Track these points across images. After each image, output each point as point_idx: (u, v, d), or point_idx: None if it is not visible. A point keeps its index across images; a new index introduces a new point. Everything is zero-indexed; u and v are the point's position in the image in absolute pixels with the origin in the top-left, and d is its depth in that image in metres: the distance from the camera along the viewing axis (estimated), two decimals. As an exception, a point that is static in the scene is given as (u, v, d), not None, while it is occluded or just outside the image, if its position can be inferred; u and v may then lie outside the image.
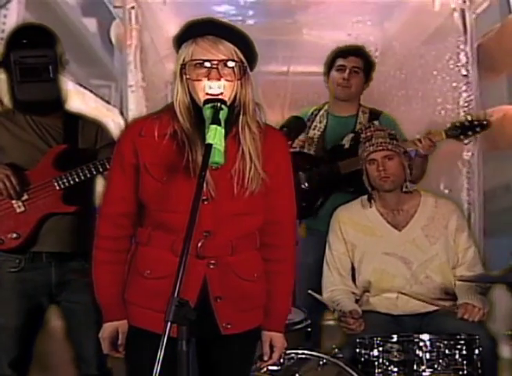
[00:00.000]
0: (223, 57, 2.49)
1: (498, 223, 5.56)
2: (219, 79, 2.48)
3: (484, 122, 4.13)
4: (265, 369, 3.33)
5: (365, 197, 3.92)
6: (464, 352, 3.47)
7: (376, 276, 3.84)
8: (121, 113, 5.87)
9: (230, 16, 6.18)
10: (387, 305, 3.84)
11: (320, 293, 3.92)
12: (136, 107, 5.79)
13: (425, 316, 3.80)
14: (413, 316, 3.80)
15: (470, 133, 4.12)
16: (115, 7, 6.09)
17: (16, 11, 5.19)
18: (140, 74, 5.81)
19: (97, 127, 3.55)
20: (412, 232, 3.86)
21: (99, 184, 3.50)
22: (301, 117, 4.32)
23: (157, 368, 2.18)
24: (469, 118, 4.15)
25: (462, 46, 5.50)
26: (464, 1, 5.51)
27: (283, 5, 6.15)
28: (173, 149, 2.55)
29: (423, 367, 3.45)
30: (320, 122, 4.36)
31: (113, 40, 6.70)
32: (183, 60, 2.52)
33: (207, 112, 2.46)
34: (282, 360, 3.38)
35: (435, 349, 3.46)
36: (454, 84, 5.54)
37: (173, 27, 5.52)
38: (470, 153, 5.45)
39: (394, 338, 3.49)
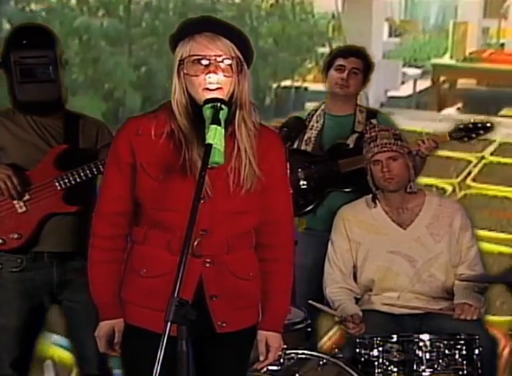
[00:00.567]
0: (220, 53, 2.51)
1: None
2: (217, 73, 2.50)
3: (488, 125, 4.13)
4: (264, 369, 3.33)
5: (370, 196, 3.92)
6: (464, 352, 3.47)
7: (380, 274, 3.84)
8: None
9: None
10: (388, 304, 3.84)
11: (320, 292, 3.92)
12: None
13: (425, 316, 3.80)
14: (414, 316, 3.80)
15: (473, 136, 4.12)
16: None
17: None
18: None
19: (97, 127, 3.55)
20: (417, 230, 3.86)
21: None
22: (301, 117, 4.31)
23: (157, 368, 2.19)
24: (473, 121, 4.15)
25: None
26: None
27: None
28: (170, 148, 2.57)
29: (423, 367, 3.45)
30: (317, 122, 4.35)
31: None
32: (181, 56, 2.54)
33: (207, 112, 2.47)
34: (282, 360, 3.39)
35: (435, 349, 3.46)
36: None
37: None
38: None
39: (394, 338, 3.49)
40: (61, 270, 3.43)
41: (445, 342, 3.47)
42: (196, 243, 2.56)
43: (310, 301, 3.74)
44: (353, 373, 3.39)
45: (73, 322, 3.47)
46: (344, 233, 3.90)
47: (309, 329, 3.69)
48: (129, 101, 11.30)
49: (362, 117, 4.32)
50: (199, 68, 2.51)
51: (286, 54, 14.90)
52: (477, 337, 3.51)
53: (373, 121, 4.28)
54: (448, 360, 3.47)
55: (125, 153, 2.61)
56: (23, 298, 3.39)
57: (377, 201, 3.90)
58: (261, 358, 2.75)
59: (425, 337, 3.48)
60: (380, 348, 3.48)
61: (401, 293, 3.83)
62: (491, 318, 4.14)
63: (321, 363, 3.42)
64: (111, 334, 2.67)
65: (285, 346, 3.41)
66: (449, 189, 10.14)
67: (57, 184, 3.40)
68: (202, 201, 2.51)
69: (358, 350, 3.54)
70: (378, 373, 3.48)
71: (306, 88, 15.75)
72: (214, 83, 2.50)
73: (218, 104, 2.47)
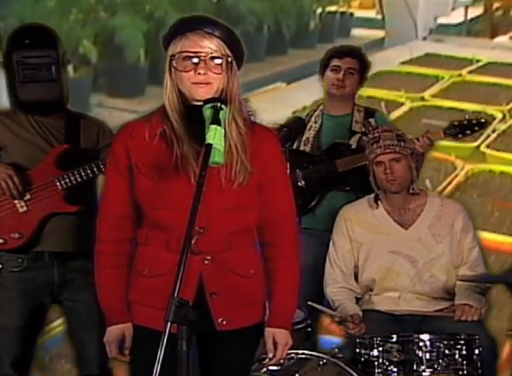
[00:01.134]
0: (211, 51, 2.55)
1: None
2: (206, 72, 2.54)
3: (483, 120, 4.14)
4: (264, 369, 3.34)
5: (372, 196, 3.92)
6: (464, 352, 3.47)
7: (381, 274, 3.84)
8: None
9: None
10: (389, 304, 3.84)
11: (320, 292, 3.93)
12: None
13: (426, 316, 3.81)
14: (414, 316, 3.80)
15: (468, 132, 4.13)
16: None
17: None
18: None
19: (99, 127, 3.56)
20: (418, 230, 3.86)
21: (101, 184, 3.51)
22: (301, 117, 4.33)
23: (157, 368, 2.20)
24: (467, 117, 4.16)
25: None
26: None
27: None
28: (163, 148, 2.60)
29: (422, 367, 3.45)
30: (315, 122, 4.36)
31: None
32: (172, 52, 2.58)
33: (207, 112, 2.49)
34: (282, 360, 3.39)
35: (435, 349, 3.46)
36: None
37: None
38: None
39: (394, 338, 3.50)
40: (62, 270, 3.43)
41: (445, 342, 3.47)
42: (194, 240, 2.57)
43: (309, 303, 3.74)
44: (353, 373, 3.39)
45: (74, 322, 3.47)
46: (346, 233, 3.90)
47: (309, 329, 3.70)
48: (170, 21, 11.16)
49: (360, 117, 4.32)
50: (189, 64, 2.55)
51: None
52: (477, 337, 3.51)
53: (371, 121, 4.29)
54: (448, 360, 3.47)
55: (122, 156, 2.64)
56: (24, 298, 3.40)
57: (379, 202, 3.90)
58: (270, 355, 2.74)
59: (425, 337, 3.48)
60: (380, 348, 3.49)
61: (401, 293, 3.83)
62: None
63: (321, 363, 3.42)
64: (121, 338, 2.67)
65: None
66: (499, 116, 10.01)
67: (58, 184, 3.41)
68: None
69: (358, 350, 3.54)
70: (378, 373, 3.48)
71: (352, 14, 15.70)
72: (204, 79, 2.54)
73: (218, 104, 2.49)
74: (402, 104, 10.59)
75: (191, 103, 2.58)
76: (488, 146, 9.22)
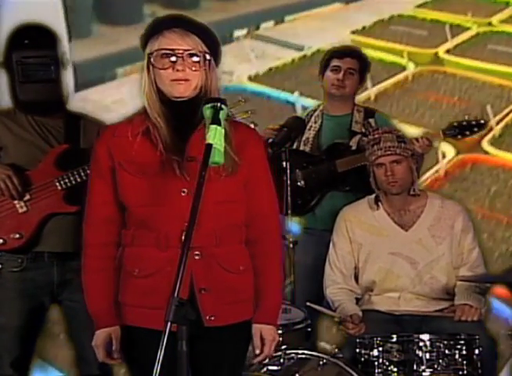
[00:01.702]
0: (189, 48, 2.58)
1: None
2: (184, 69, 2.57)
3: (482, 121, 4.14)
4: (264, 369, 3.34)
5: (372, 197, 3.92)
6: (464, 352, 3.48)
7: (381, 275, 3.85)
8: None
9: None
10: (389, 304, 3.85)
11: (320, 292, 3.93)
12: None
13: (426, 316, 3.81)
14: (414, 316, 3.80)
15: (467, 133, 4.13)
16: None
17: None
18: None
19: (98, 127, 3.54)
20: (418, 232, 3.86)
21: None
22: (301, 117, 4.33)
23: (157, 368, 2.19)
24: (467, 118, 4.16)
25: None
26: None
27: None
28: (147, 145, 2.62)
29: (423, 367, 3.46)
30: (315, 122, 4.37)
31: None
32: (150, 50, 2.60)
33: (207, 112, 2.49)
34: (282, 360, 3.39)
35: (435, 349, 3.47)
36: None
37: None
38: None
39: (394, 338, 3.50)
40: (61, 270, 3.43)
41: (445, 342, 3.48)
42: (183, 236, 2.57)
43: (308, 303, 3.74)
44: (353, 373, 3.39)
45: (74, 322, 3.47)
46: (346, 235, 3.90)
47: (309, 329, 3.70)
48: None
49: (360, 117, 4.33)
50: (167, 62, 2.58)
51: None
52: (477, 337, 3.52)
53: (371, 121, 4.29)
54: (448, 360, 3.47)
55: (104, 158, 2.66)
56: (24, 298, 3.40)
57: (380, 203, 3.90)
58: (257, 351, 2.73)
59: (425, 337, 3.48)
60: (380, 348, 3.49)
61: (401, 293, 3.84)
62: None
63: (321, 363, 3.42)
64: (108, 342, 2.67)
65: (285, 346, 3.44)
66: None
67: (58, 184, 3.41)
68: (183, 194, 2.58)
69: (358, 350, 3.55)
70: (378, 373, 3.48)
71: None
72: (182, 76, 2.57)
73: (218, 104, 2.49)
74: (467, 29, 10.28)
75: (170, 99, 2.61)
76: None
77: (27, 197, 3.39)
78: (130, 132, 2.63)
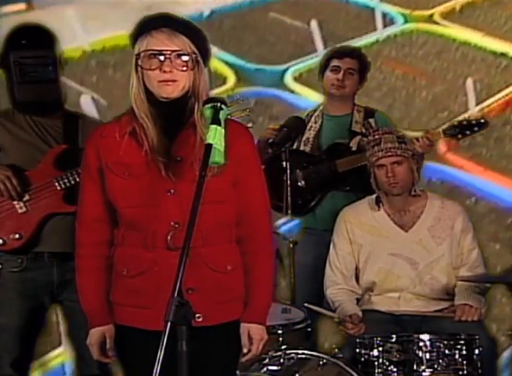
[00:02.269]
0: (177, 48, 2.56)
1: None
2: (172, 70, 2.56)
3: (482, 121, 4.14)
4: (264, 369, 3.34)
5: (372, 198, 3.92)
6: (464, 352, 3.48)
7: (381, 276, 3.85)
8: None
9: None
10: (389, 304, 3.84)
11: (320, 292, 3.93)
12: None
13: (426, 316, 3.80)
14: (414, 316, 3.80)
15: (468, 132, 4.13)
16: None
17: None
18: None
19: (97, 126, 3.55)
20: (418, 232, 3.86)
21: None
22: (301, 117, 4.33)
23: (157, 368, 2.19)
24: (467, 117, 4.16)
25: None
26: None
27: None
28: (133, 145, 2.62)
29: (423, 367, 3.46)
30: (315, 122, 4.37)
31: None
32: (138, 50, 2.60)
33: (207, 112, 2.49)
34: (282, 360, 3.39)
35: (435, 349, 3.47)
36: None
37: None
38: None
39: (394, 338, 3.50)
40: (61, 270, 3.43)
41: (445, 342, 3.48)
42: (169, 236, 2.58)
43: (306, 304, 3.74)
44: (353, 373, 3.39)
45: (74, 322, 3.47)
46: (346, 236, 3.90)
47: (309, 329, 3.70)
48: None
49: (360, 117, 4.33)
50: (155, 62, 2.56)
51: None
52: (477, 337, 3.52)
53: (371, 121, 4.29)
54: (448, 360, 3.47)
55: (92, 158, 2.67)
56: (24, 298, 3.40)
57: (380, 204, 3.90)
58: (245, 350, 2.72)
59: (425, 337, 3.48)
60: (380, 348, 3.49)
61: (401, 293, 3.83)
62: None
63: (321, 363, 3.42)
64: (102, 340, 2.68)
65: (285, 346, 3.44)
66: None
67: (57, 184, 3.40)
68: (169, 194, 2.58)
69: (358, 350, 3.55)
70: (378, 373, 3.48)
71: None
72: (170, 77, 2.56)
73: (218, 104, 2.49)
74: None
75: (158, 100, 2.60)
76: None
77: (27, 197, 3.39)
78: (117, 133, 2.63)
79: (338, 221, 3.94)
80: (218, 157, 2.39)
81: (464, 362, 3.48)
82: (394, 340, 3.50)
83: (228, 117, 2.63)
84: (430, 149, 4.11)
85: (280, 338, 3.53)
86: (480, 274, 3.86)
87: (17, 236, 3.37)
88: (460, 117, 4.24)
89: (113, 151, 2.63)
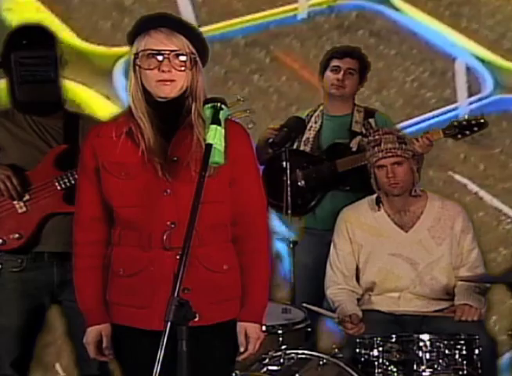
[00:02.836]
0: (175, 48, 2.56)
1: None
2: (170, 70, 2.56)
3: (482, 121, 4.14)
4: (264, 369, 3.34)
5: (372, 198, 3.92)
6: (464, 352, 3.49)
7: (381, 276, 3.85)
8: None
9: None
10: (389, 304, 3.85)
11: (320, 291, 3.93)
12: None
13: (426, 316, 3.81)
14: (414, 316, 3.80)
15: (467, 132, 4.14)
16: None
17: None
18: None
19: (97, 126, 3.55)
20: (418, 233, 3.87)
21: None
22: (301, 117, 4.33)
23: (157, 368, 2.19)
24: (466, 118, 4.16)
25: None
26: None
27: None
28: (129, 145, 2.62)
29: (423, 367, 3.46)
30: (316, 122, 4.37)
31: None
32: (136, 50, 2.60)
33: (207, 112, 2.49)
34: (282, 360, 3.39)
35: (435, 349, 3.47)
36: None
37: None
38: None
39: (394, 338, 3.50)
40: (61, 270, 3.42)
41: (445, 342, 3.48)
42: (165, 236, 2.58)
43: (304, 304, 3.74)
44: (353, 373, 3.40)
45: (74, 322, 3.46)
46: (347, 236, 3.90)
47: (309, 329, 3.70)
48: None
49: (360, 117, 4.33)
50: (153, 62, 2.57)
51: None
52: (477, 337, 3.52)
53: (371, 121, 4.29)
54: (448, 360, 3.48)
55: (89, 158, 2.67)
56: (24, 298, 3.40)
57: (381, 204, 3.90)
58: (241, 349, 2.72)
59: (425, 337, 3.49)
60: (380, 348, 3.49)
61: (401, 293, 3.84)
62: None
63: (321, 363, 3.42)
64: (99, 339, 2.68)
65: (285, 346, 3.44)
66: None
67: (57, 184, 3.40)
68: (165, 194, 2.58)
69: (358, 350, 3.55)
70: (378, 373, 3.48)
71: None
72: (168, 77, 2.56)
73: (218, 104, 2.49)
74: None
75: (156, 100, 2.60)
76: None
77: (27, 197, 3.39)
78: (114, 132, 2.63)
79: (338, 221, 3.94)
80: (218, 157, 2.39)
81: (464, 362, 3.49)
82: (394, 340, 3.50)
83: (229, 117, 2.63)
84: (430, 149, 4.11)
85: (280, 338, 3.53)
86: (480, 274, 3.86)
87: (17, 236, 3.37)
88: (460, 118, 4.23)
89: (109, 151, 2.63)
